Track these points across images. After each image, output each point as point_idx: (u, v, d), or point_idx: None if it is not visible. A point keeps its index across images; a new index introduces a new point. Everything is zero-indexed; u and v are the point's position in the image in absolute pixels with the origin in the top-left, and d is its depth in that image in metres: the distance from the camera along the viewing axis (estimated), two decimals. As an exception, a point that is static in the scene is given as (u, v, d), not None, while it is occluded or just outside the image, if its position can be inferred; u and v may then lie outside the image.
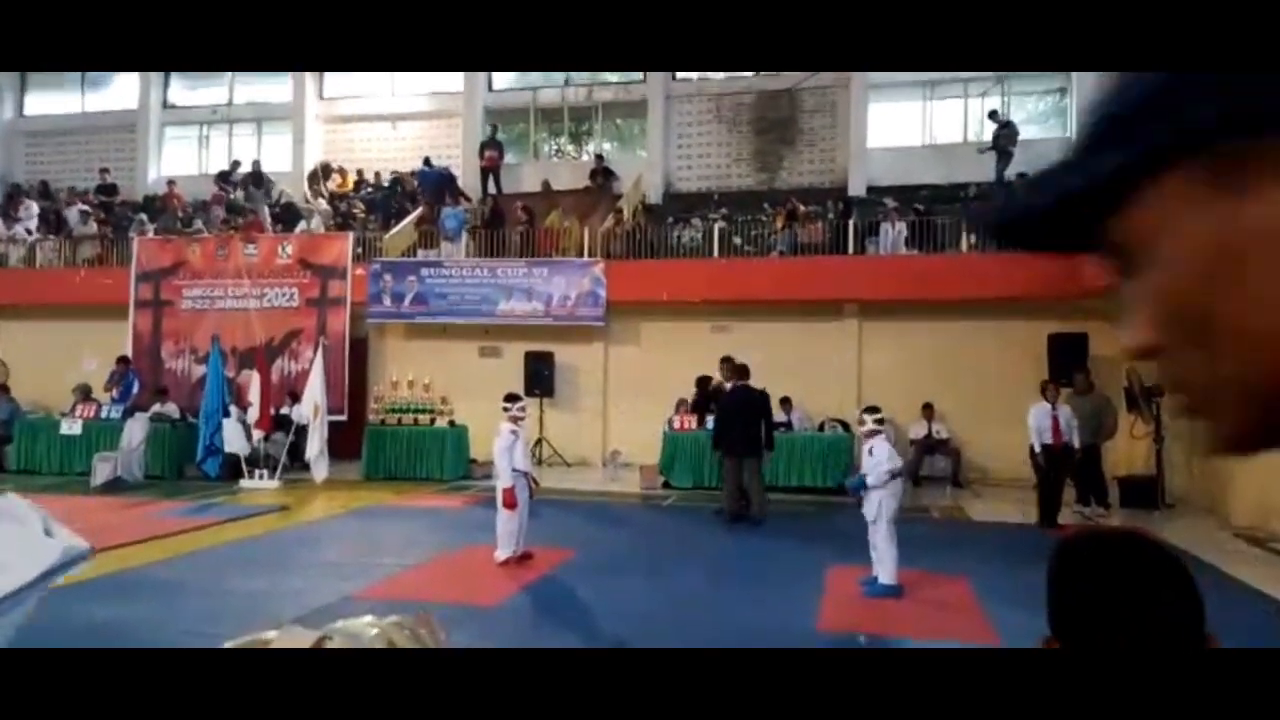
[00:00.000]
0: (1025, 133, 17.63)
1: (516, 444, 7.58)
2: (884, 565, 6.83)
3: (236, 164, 20.01)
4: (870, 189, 17.26)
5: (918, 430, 13.18)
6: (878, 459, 6.86)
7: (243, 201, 18.56)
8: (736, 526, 9.60)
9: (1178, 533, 9.37)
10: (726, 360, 9.94)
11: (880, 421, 7.16)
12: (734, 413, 9.72)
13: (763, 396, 9.92)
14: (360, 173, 19.14)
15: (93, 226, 18.41)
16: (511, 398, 7.95)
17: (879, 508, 6.83)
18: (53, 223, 19.15)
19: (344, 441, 13.56)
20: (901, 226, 14.26)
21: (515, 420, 7.70)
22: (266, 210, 16.97)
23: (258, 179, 18.71)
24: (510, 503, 7.43)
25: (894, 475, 6.85)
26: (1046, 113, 17.84)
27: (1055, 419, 9.91)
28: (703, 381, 9.72)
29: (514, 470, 7.52)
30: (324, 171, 19.27)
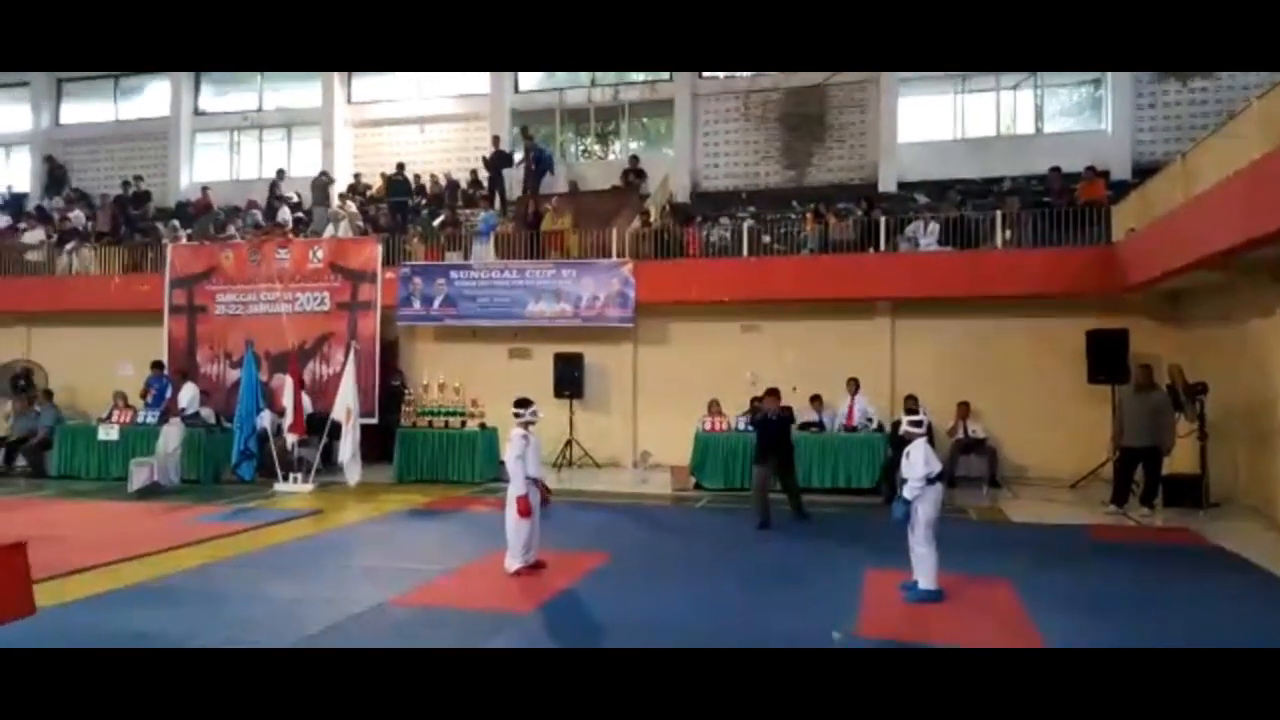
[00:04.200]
0: (1059, 125, 17.41)
1: (528, 450, 7.48)
2: (923, 570, 6.69)
3: (282, 173, 20.12)
4: (901, 184, 17.06)
5: (953, 429, 12.97)
6: (914, 464, 6.71)
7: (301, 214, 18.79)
8: (769, 530, 9.54)
9: (1224, 533, 9.16)
10: (772, 392, 10.40)
11: (918, 424, 6.93)
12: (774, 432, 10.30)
13: (789, 413, 10.61)
14: (401, 166, 19.21)
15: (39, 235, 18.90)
16: (522, 403, 7.76)
17: (915, 513, 6.69)
18: (88, 230, 19.45)
19: (375, 444, 13.62)
20: (934, 226, 14.04)
21: (526, 426, 7.60)
22: (332, 228, 17.08)
23: (323, 194, 18.90)
24: (525, 510, 7.31)
25: (931, 480, 6.68)
26: (1081, 104, 17.52)
27: (851, 408, 12.78)
28: (756, 404, 10.52)
29: (526, 477, 7.40)
30: (328, 179, 19.45)
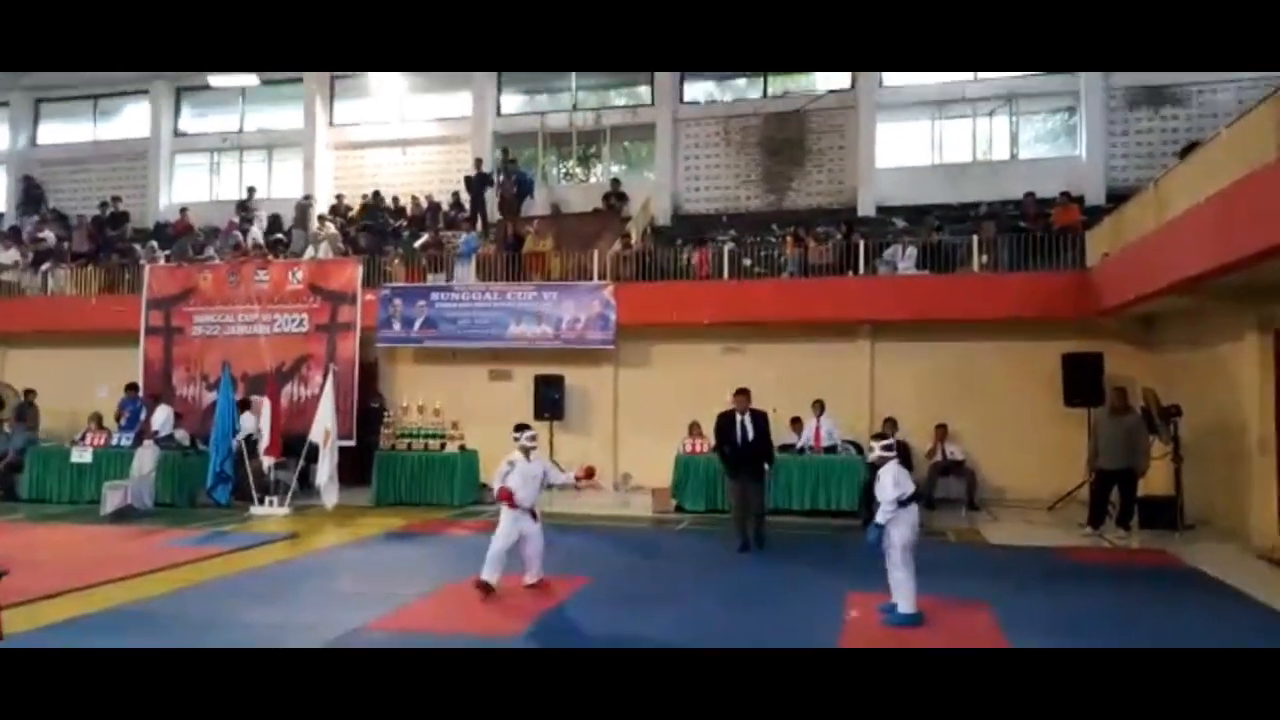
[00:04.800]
0: (1034, 151, 17.69)
1: (511, 474, 7.56)
2: (901, 594, 6.70)
3: (252, 190, 20.23)
4: (880, 209, 17.27)
5: (932, 451, 13.03)
6: (884, 487, 6.70)
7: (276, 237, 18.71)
8: (749, 553, 9.53)
9: (1199, 555, 9.25)
10: (743, 391, 10.07)
11: (889, 448, 6.91)
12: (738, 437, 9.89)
13: (764, 418, 10.05)
14: (377, 194, 19.28)
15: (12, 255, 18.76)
16: (518, 428, 7.88)
17: (889, 537, 6.72)
18: (65, 251, 19.28)
19: (353, 467, 13.51)
20: (912, 250, 14.19)
21: (525, 451, 7.67)
22: (312, 249, 17.05)
23: (303, 216, 18.88)
24: (503, 496, 7.48)
25: (903, 503, 6.66)
26: (1055, 131, 17.81)
27: (818, 429, 12.59)
28: (725, 419, 10.01)
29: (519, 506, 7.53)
30: (307, 201, 19.45)
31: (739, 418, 9.91)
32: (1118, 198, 14.27)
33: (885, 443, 6.97)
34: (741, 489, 9.83)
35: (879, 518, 6.68)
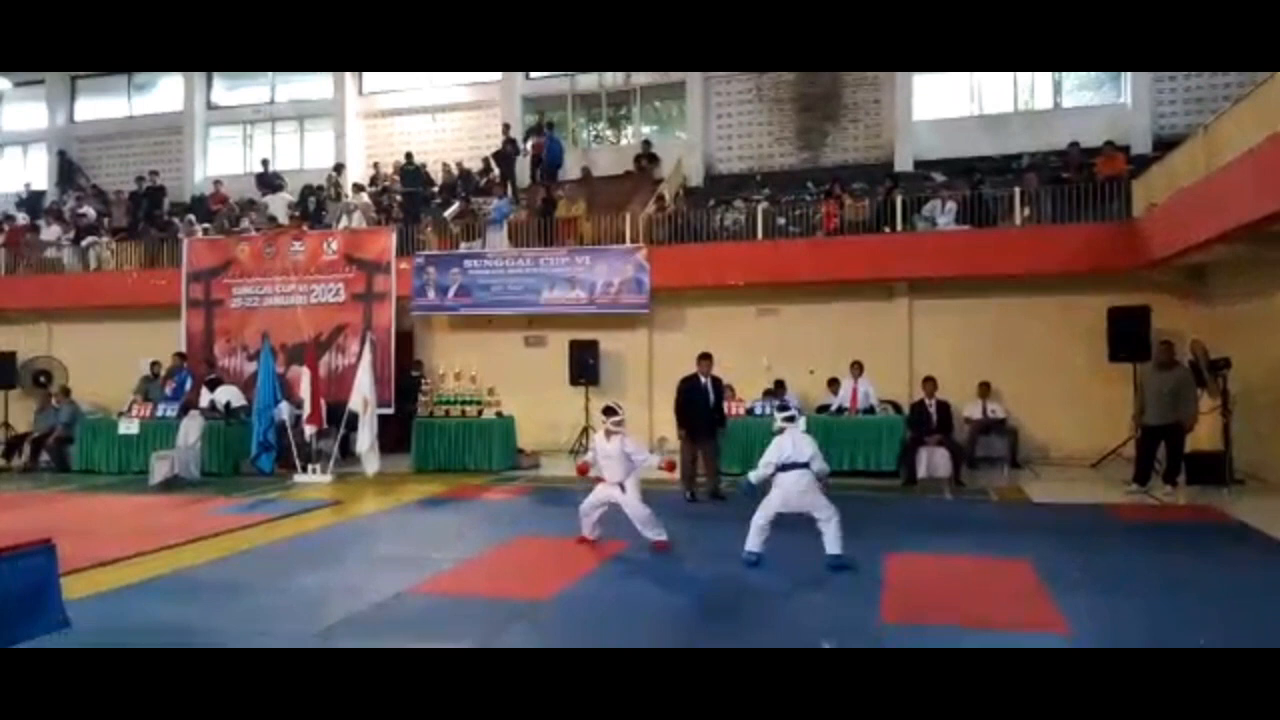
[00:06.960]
0: (1078, 99, 17.16)
1: (592, 453, 8.25)
2: (830, 539, 7.01)
3: (265, 163, 20.33)
4: (918, 163, 16.88)
5: (973, 410, 12.82)
6: (767, 451, 7.08)
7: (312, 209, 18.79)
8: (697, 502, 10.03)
9: (1248, 510, 9.03)
10: (706, 356, 10.49)
11: (789, 419, 7.20)
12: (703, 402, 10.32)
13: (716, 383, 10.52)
14: (409, 156, 19.30)
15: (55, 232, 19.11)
16: (607, 411, 8.11)
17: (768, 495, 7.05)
18: (105, 226, 19.57)
19: (392, 434, 13.65)
20: (952, 205, 13.86)
21: (607, 434, 7.96)
22: (346, 219, 17.11)
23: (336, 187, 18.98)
24: (580, 470, 8.51)
25: (780, 469, 6.93)
26: (1099, 78, 17.24)
27: (855, 391, 12.37)
28: (689, 382, 10.44)
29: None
30: (339, 170, 19.45)
31: (702, 381, 10.15)
32: (1165, 146, 13.79)
33: (786, 414, 7.32)
34: (695, 449, 10.21)
35: (750, 475, 7.16)
